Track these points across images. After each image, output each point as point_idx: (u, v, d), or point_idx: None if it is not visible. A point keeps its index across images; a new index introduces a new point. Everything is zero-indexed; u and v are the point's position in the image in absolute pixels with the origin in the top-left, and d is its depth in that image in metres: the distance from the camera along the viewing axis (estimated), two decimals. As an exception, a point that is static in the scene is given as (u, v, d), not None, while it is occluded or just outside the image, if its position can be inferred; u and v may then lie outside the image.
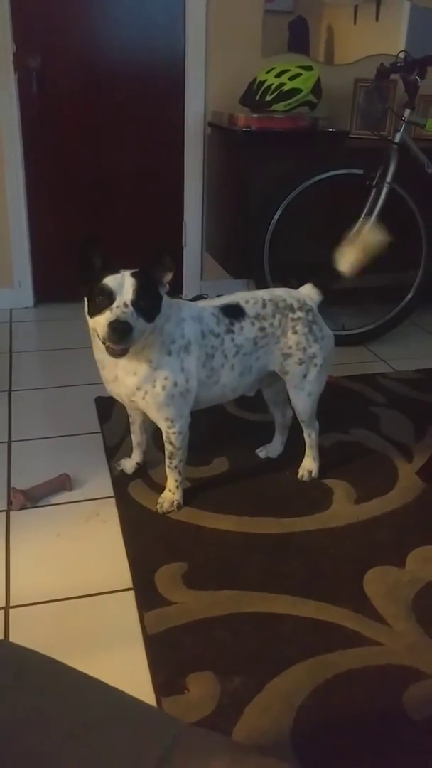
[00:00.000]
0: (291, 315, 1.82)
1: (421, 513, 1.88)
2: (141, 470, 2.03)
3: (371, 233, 1.82)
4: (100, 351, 1.66)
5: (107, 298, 1.52)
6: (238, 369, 1.79)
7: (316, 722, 1.26)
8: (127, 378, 1.68)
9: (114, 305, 1.52)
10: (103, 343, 1.56)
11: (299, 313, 1.83)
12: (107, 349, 1.57)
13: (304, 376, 1.87)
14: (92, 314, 1.56)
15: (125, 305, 1.52)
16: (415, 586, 1.60)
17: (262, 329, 1.79)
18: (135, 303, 1.53)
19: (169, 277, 1.62)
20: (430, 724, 1.26)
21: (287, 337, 1.82)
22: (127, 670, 1.36)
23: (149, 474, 2.02)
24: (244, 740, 1.21)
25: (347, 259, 1.83)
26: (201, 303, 1.82)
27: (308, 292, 1.89)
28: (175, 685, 1.33)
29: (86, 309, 1.59)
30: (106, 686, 0.69)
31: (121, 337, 1.52)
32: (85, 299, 1.59)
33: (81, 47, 3.14)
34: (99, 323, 1.53)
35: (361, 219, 2.82)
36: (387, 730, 1.26)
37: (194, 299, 1.85)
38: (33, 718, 0.63)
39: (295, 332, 1.82)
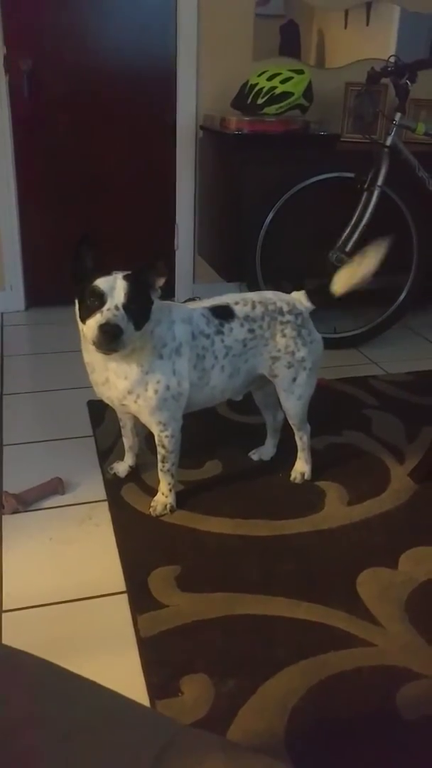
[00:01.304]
0: (280, 318, 1.82)
1: (414, 514, 1.89)
2: (134, 473, 2.03)
3: (368, 260, 1.81)
4: (89, 354, 1.66)
5: (98, 300, 1.52)
6: (228, 370, 1.79)
7: (310, 723, 1.26)
8: (118, 381, 1.68)
9: (105, 308, 1.51)
10: (93, 346, 1.56)
11: (288, 317, 1.83)
12: (97, 347, 1.56)
13: (294, 379, 1.87)
14: (83, 317, 1.56)
15: (116, 308, 1.52)
16: (408, 587, 1.60)
17: (251, 331, 1.79)
18: (126, 306, 1.52)
19: (161, 282, 1.62)
20: (424, 724, 1.26)
21: (276, 340, 1.82)
22: (120, 673, 1.35)
23: (142, 477, 2.01)
24: (239, 742, 1.21)
25: (342, 283, 1.83)
26: (191, 304, 1.83)
27: (299, 298, 1.89)
28: (169, 687, 1.32)
29: (77, 311, 1.59)
30: (101, 687, 0.69)
31: (111, 341, 1.51)
32: (76, 301, 1.58)
33: (73, 50, 3.14)
34: (89, 326, 1.53)
35: (352, 223, 2.83)
36: (381, 731, 1.26)
37: (186, 302, 1.85)
38: (27, 719, 0.63)
39: (284, 335, 1.83)
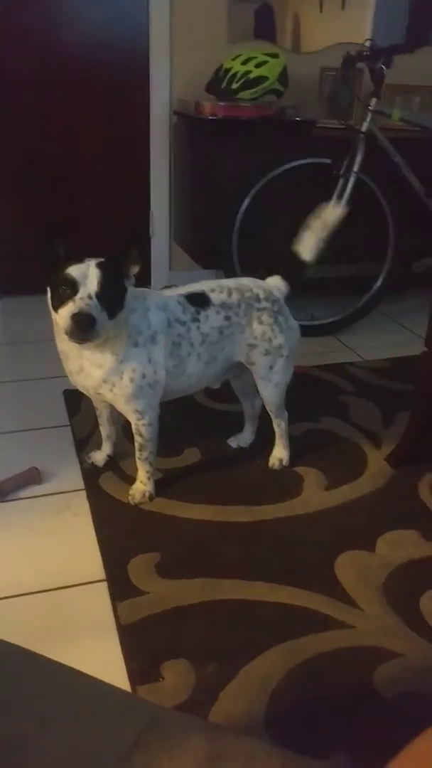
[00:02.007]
0: (257, 305, 1.82)
1: (391, 498, 1.91)
2: (112, 462, 2.02)
3: (323, 212, 1.82)
4: (63, 342, 1.64)
5: (71, 288, 1.50)
6: (204, 358, 1.78)
7: (290, 704, 1.27)
8: (93, 370, 1.67)
9: (77, 297, 1.50)
10: (66, 335, 1.54)
11: (265, 303, 1.83)
12: (69, 337, 1.54)
13: (271, 367, 1.87)
14: (55, 306, 1.54)
15: (89, 297, 1.50)
16: (386, 570, 1.62)
17: (228, 318, 1.79)
18: (99, 295, 1.51)
19: (135, 270, 1.60)
20: (401, 701, 1.28)
21: (252, 328, 1.82)
22: (101, 660, 1.35)
23: (120, 466, 2.01)
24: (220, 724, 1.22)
25: (307, 245, 1.84)
26: (166, 291, 1.82)
27: (275, 284, 1.89)
28: (149, 673, 1.33)
29: (49, 300, 1.57)
30: (79, 673, 0.69)
31: (83, 331, 1.49)
32: (49, 290, 1.56)
33: (41, 33, 3.08)
34: (61, 315, 1.51)
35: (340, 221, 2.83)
36: (359, 709, 1.28)
37: (162, 290, 1.85)
38: (3, 707, 0.63)
39: (261, 322, 1.83)
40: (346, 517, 1.82)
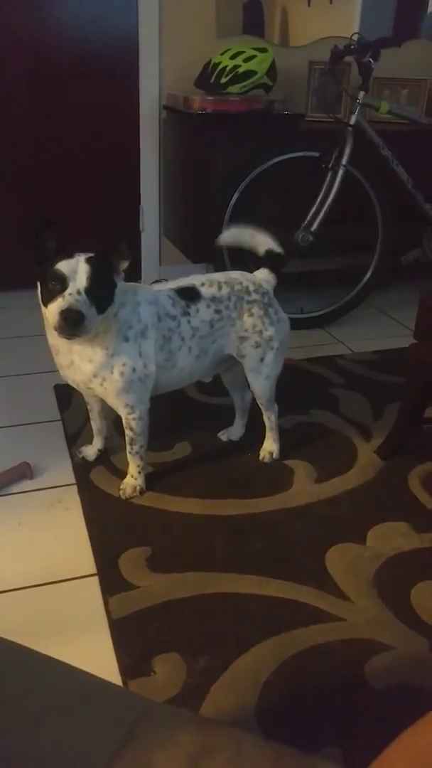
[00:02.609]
0: (247, 298, 1.82)
1: (380, 490, 1.92)
2: (103, 456, 2.02)
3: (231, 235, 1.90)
4: (53, 336, 1.64)
5: (60, 284, 1.50)
6: (195, 352, 1.79)
7: (281, 697, 1.28)
8: (83, 364, 1.67)
9: (67, 292, 1.49)
10: (55, 331, 1.54)
11: (255, 296, 1.83)
12: (59, 332, 1.54)
13: (261, 359, 1.88)
14: (45, 301, 1.54)
15: (78, 293, 1.49)
16: (376, 562, 1.63)
17: (218, 311, 1.79)
18: (89, 291, 1.50)
19: (125, 265, 1.60)
20: (392, 693, 1.29)
21: (243, 320, 1.83)
22: (93, 654, 1.36)
23: (111, 460, 2.01)
24: (211, 717, 1.22)
25: (266, 242, 1.89)
26: (156, 286, 1.82)
27: (264, 276, 1.89)
28: (141, 667, 1.33)
29: (39, 295, 1.56)
30: (70, 667, 0.70)
31: (72, 326, 1.49)
32: (38, 284, 1.56)
33: (31, 29, 3.06)
34: (51, 311, 1.51)
35: (317, 202, 2.84)
36: (350, 701, 1.29)
37: (152, 284, 1.85)
38: (-4, 702, 0.63)
39: (251, 315, 1.83)
40: (336, 509, 1.83)
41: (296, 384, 2.45)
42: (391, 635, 1.42)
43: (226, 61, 2.91)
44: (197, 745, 0.60)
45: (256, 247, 1.91)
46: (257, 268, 1.92)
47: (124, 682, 1.30)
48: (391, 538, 1.72)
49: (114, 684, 0.72)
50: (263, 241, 1.90)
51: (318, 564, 1.62)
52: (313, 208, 2.85)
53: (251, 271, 1.91)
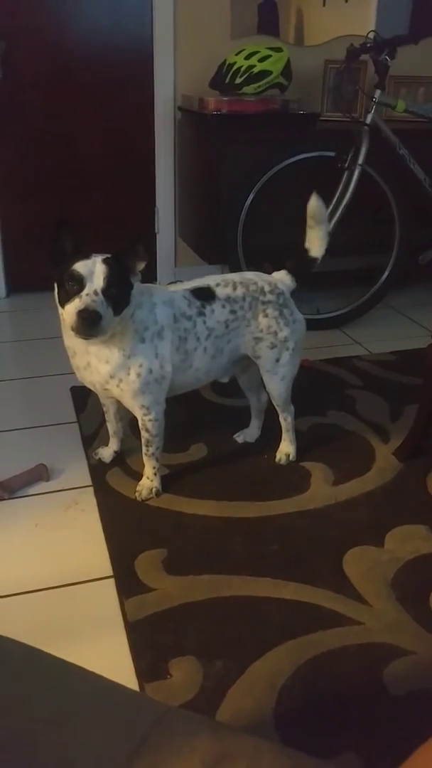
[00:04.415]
0: (262, 298, 1.81)
1: (399, 493, 1.90)
2: (119, 458, 2.02)
3: (312, 208, 1.82)
4: (70, 338, 1.64)
5: (77, 284, 1.50)
6: (211, 352, 1.78)
7: (299, 702, 1.27)
8: (100, 366, 1.67)
9: (84, 293, 1.49)
10: (72, 331, 1.54)
11: (270, 296, 1.82)
12: (75, 333, 1.54)
13: (277, 360, 1.87)
14: (62, 302, 1.54)
15: (95, 293, 1.50)
16: (394, 566, 1.61)
17: (233, 312, 1.78)
18: (105, 291, 1.50)
19: (141, 266, 1.60)
20: (411, 700, 1.27)
21: (258, 321, 1.82)
22: (109, 657, 1.36)
23: (127, 462, 2.01)
24: (228, 722, 1.21)
25: (315, 242, 1.85)
26: (172, 287, 1.81)
27: (281, 278, 1.88)
28: (157, 670, 1.33)
29: (56, 296, 1.57)
30: (86, 671, 0.69)
31: (90, 327, 1.49)
32: (55, 285, 1.56)
33: (48, 32, 3.08)
34: (68, 312, 1.51)
35: (333, 202, 2.83)
36: (369, 707, 1.27)
37: (168, 285, 1.85)
38: (13, 704, 0.62)
39: (266, 315, 1.82)
40: (353, 512, 1.81)
41: (313, 385, 2.43)
42: (410, 640, 1.40)
43: (241, 62, 2.91)
44: (214, 751, 0.59)
45: (308, 237, 1.86)
46: (275, 269, 1.91)
47: (140, 685, 1.30)
48: (409, 540, 1.70)
49: (129, 688, 0.71)
50: (312, 237, 1.85)
51: (335, 567, 1.61)
52: (329, 208, 2.83)
53: (266, 272, 1.90)
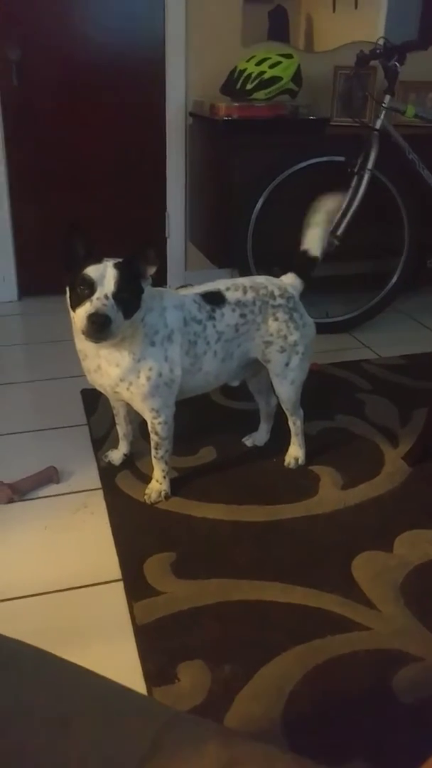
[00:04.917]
0: (272, 302, 1.82)
1: (408, 497, 1.89)
2: (128, 461, 2.02)
3: (322, 205, 1.82)
4: (81, 341, 1.65)
5: (88, 288, 1.51)
6: (220, 355, 1.78)
7: (307, 708, 1.26)
8: (110, 369, 1.67)
9: (94, 297, 1.50)
10: (82, 335, 1.55)
11: (280, 300, 1.82)
12: (86, 336, 1.55)
13: (287, 364, 1.87)
14: (73, 305, 1.55)
15: (105, 297, 1.51)
16: (403, 570, 1.61)
17: (243, 316, 1.78)
18: (116, 295, 1.51)
19: (152, 270, 1.61)
20: (421, 707, 1.27)
21: (268, 325, 1.82)
22: (117, 661, 1.36)
23: (136, 465, 2.01)
24: (236, 728, 1.21)
25: (313, 241, 1.85)
26: (183, 291, 1.82)
27: (290, 281, 1.88)
28: (165, 674, 1.33)
29: (68, 299, 1.58)
30: (95, 675, 0.69)
31: (99, 331, 1.50)
32: (67, 289, 1.57)
33: (61, 39, 3.11)
34: (78, 315, 1.52)
35: (343, 207, 2.83)
36: (378, 714, 1.26)
37: (178, 289, 1.85)
38: (21, 708, 0.63)
39: (276, 319, 1.82)
40: (362, 516, 1.81)
41: (322, 389, 2.43)
42: (420, 646, 1.40)
43: (252, 68, 2.92)
44: (223, 758, 0.59)
45: (307, 237, 1.86)
46: (283, 273, 1.91)
47: (148, 689, 1.30)
48: (418, 545, 1.70)
49: (138, 693, 0.71)
50: (310, 238, 1.86)
51: (344, 572, 1.60)
52: (339, 213, 2.84)
53: (276, 276, 1.90)
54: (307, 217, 1.85)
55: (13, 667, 0.67)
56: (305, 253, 1.87)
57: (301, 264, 1.89)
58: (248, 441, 2.14)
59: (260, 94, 2.93)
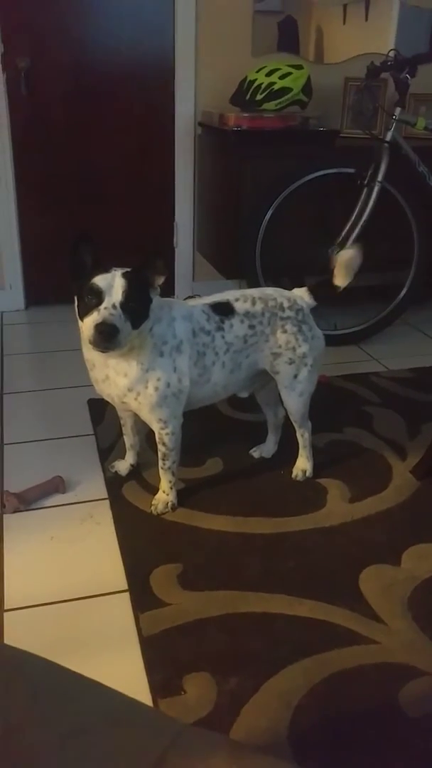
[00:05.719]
0: (281, 314, 1.81)
1: (416, 511, 1.88)
2: (135, 472, 2.02)
3: (349, 253, 1.80)
4: (89, 351, 1.65)
5: (96, 298, 1.51)
6: (229, 366, 1.78)
7: (314, 721, 1.25)
8: (118, 379, 1.67)
9: (102, 306, 1.51)
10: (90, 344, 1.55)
11: (289, 312, 1.82)
12: (93, 346, 1.55)
13: (295, 376, 1.87)
14: (81, 314, 1.55)
15: (113, 307, 1.51)
16: (411, 584, 1.60)
17: (252, 327, 1.78)
18: (124, 305, 1.51)
19: (160, 280, 1.61)
20: (428, 721, 1.26)
21: (276, 336, 1.82)
22: (123, 672, 1.35)
23: (143, 475, 2.01)
24: (242, 740, 1.20)
25: (342, 275, 1.80)
26: (191, 301, 1.82)
27: (301, 294, 1.88)
28: (171, 686, 1.32)
29: (76, 309, 1.58)
30: (103, 687, 0.69)
31: (106, 340, 1.50)
32: (75, 298, 1.58)
33: (70, 48, 3.13)
34: (86, 324, 1.52)
35: (352, 218, 2.83)
36: (384, 728, 1.25)
37: (186, 300, 1.85)
38: (28, 719, 0.62)
39: (285, 331, 1.82)
40: (370, 530, 1.80)
41: (330, 401, 2.43)
42: (427, 660, 1.39)
43: (262, 78, 2.93)
44: (231, 771, 0.59)
45: (337, 267, 1.80)
46: (293, 284, 1.91)
47: (154, 700, 1.29)
48: (426, 559, 1.68)
49: (145, 705, 0.71)
50: (344, 274, 1.80)
51: (351, 585, 1.59)
52: (348, 225, 2.84)
53: (285, 288, 1.90)
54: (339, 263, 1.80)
55: (23, 680, 0.67)
56: (331, 278, 1.81)
57: (322, 286, 1.86)
58: (256, 453, 2.13)
59: (270, 105, 2.94)
